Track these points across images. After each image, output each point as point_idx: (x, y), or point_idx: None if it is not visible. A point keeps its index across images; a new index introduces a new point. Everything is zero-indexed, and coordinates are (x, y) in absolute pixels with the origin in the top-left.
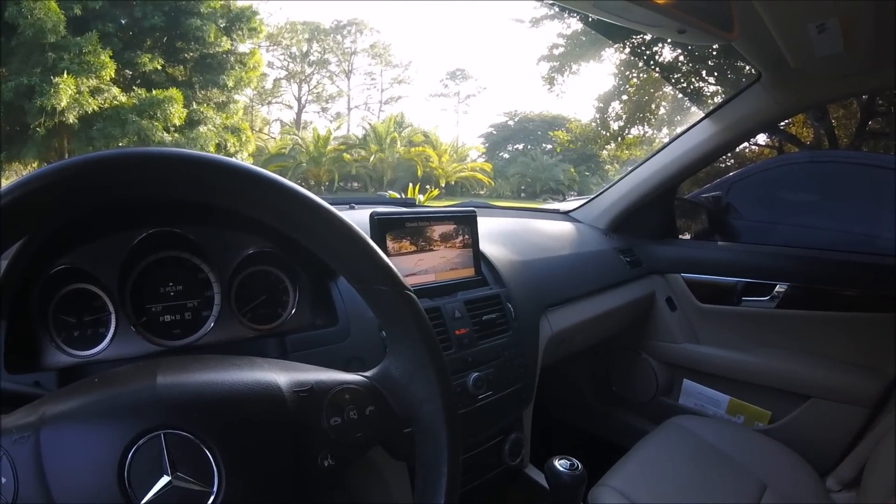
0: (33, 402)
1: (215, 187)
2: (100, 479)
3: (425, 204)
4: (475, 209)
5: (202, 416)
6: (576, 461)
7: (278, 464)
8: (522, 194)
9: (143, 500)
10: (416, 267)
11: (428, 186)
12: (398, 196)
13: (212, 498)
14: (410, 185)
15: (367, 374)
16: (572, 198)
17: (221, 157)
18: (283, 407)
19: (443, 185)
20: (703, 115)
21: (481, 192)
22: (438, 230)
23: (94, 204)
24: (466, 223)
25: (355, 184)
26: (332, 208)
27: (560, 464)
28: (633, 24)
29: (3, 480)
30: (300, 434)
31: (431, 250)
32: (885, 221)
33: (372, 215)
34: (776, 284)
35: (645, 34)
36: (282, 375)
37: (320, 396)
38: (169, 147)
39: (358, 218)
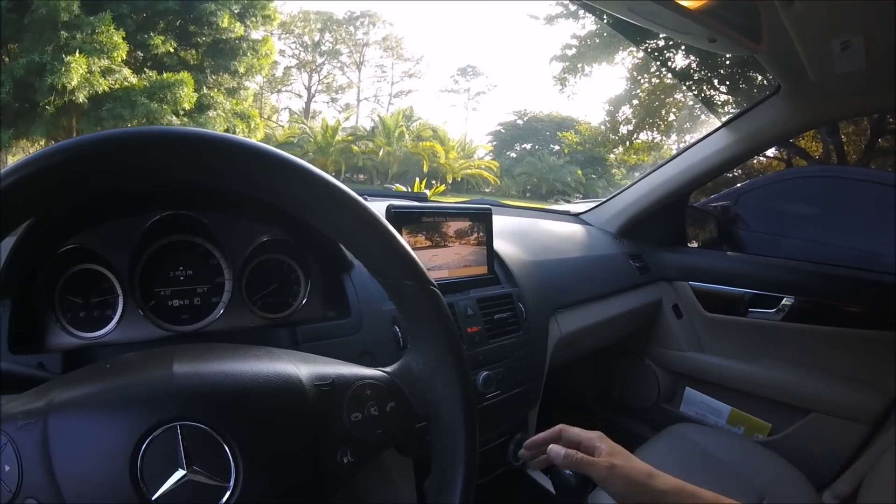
0: (40, 385)
1: (232, 171)
2: (111, 470)
3: (432, 199)
4: (490, 207)
5: (221, 408)
6: None
7: (298, 459)
8: (528, 194)
9: (157, 494)
10: (430, 262)
11: (434, 182)
12: (405, 190)
13: (228, 493)
14: (417, 179)
15: (388, 369)
16: (578, 200)
17: (240, 137)
18: (304, 401)
19: (449, 181)
20: (715, 123)
21: (487, 190)
22: (454, 226)
23: (100, 185)
24: (481, 220)
25: (361, 176)
26: (360, 198)
27: None
28: (664, 29)
29: (7, 468)
30: (320, 429)
31: (446, 246)
32: (893, 239)
33: (389, 208)
34: (783, 297)
35: (660, 39)
36: (302, 368)
37: (341, 391)
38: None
39: None
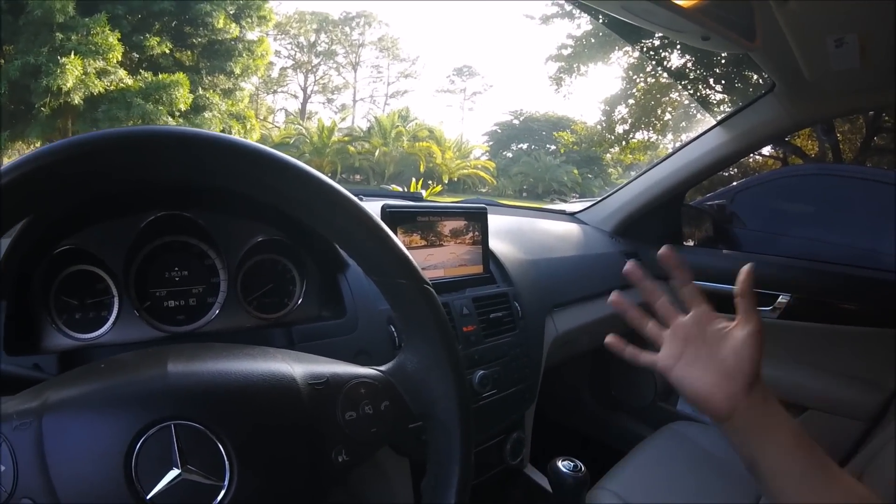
0: (35, 386)
1: (226, 169)
2: (105, 470)
3: (429, 199)
4: (485, 206)
5: (215, 407)
6: (578, 463)
7: (292, 458)
8: (524, 194)
9: (151, 494)
10: (425, 262)
11: (430, 182)
12: (402, 190)
13: (223, 492)
14: (413, 179)
15: (382, 368)
16: (574, 200)
17: (233, 136)
18: (298, 400)
19: (445, 182)
20: (711, 122)
21: (483, 190)
22: (449, 226)
23: (94, 186)
24: (477, 220)
25: (357, 176)
26: (354, 198)
27: (563, 465)
28: (658, 27)
29: (3, 468)
30: (315, 428)
31: (441, 245)
32: (889, 237)
33: (384, 208)
34: (779, 295)
35: (655, 39)
36: (296, 367)
37: (335, 390)
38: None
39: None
